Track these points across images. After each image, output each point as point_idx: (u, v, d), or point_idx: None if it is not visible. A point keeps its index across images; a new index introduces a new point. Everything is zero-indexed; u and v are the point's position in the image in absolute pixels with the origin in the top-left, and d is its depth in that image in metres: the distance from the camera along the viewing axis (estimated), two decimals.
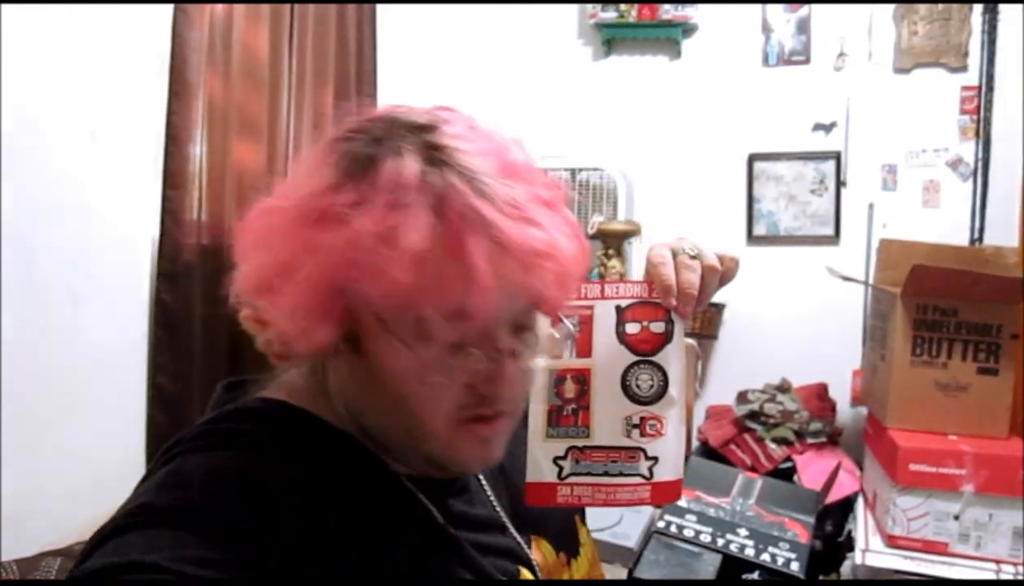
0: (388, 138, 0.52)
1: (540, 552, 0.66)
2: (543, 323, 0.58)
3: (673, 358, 0.59)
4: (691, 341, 2.62)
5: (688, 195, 2.83)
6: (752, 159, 2.86)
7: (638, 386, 0.59)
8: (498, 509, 0.66)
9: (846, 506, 2.11)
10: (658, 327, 0.60)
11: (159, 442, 1.61)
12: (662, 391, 0.59)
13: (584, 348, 0.60)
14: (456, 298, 0.49)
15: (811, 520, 1.91)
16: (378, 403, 0.56)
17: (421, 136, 0.52)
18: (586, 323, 0.61)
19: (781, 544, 1.82)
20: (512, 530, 0.65)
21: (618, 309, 0.60)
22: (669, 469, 0.58)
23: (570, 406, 0.60)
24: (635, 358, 0.60)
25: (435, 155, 0.51)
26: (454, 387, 0.54)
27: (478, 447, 0.57)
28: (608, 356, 0.60)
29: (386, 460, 0.59)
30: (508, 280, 0.50)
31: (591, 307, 0.61)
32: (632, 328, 0.60)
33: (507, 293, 0.51)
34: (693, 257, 0.60)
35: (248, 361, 1.88)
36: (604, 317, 0.61)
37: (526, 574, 0.63)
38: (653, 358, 0.59)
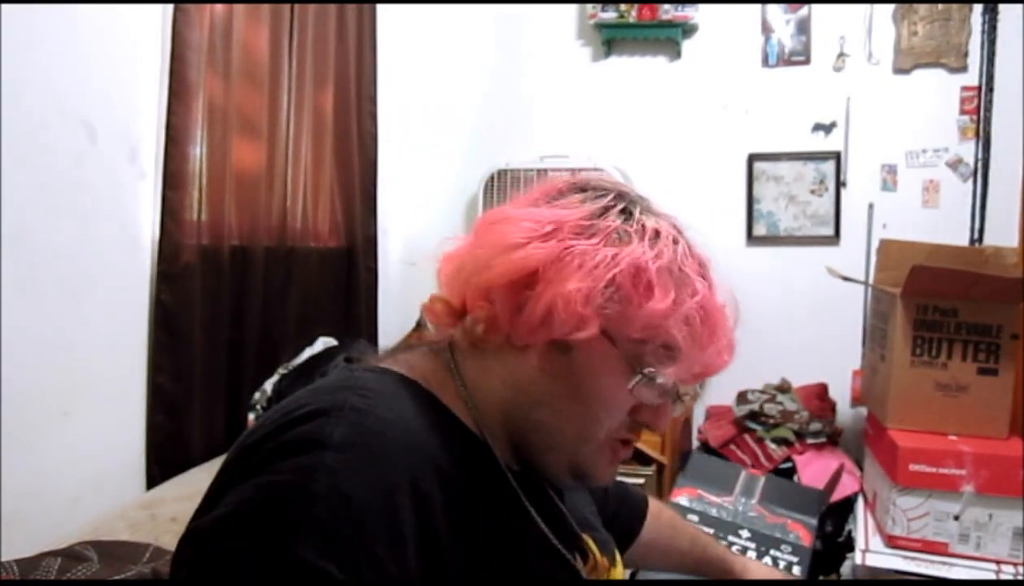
0: (651, 214, 0.65)
1: (588, 546, 0.73)
2: None
3: None
4: None
5: (688, 195, 2.82)
6: (752, 159, 2.86)
7: None
8: (558, 503, 0.73)
9: (846, 506, 2.11)
10: None
11: (159, 442, 1.60)
12: None
13: None
14: (705, 349, 0.62)
15: (814, 522, 1.91)
16: (559, 403, 0.62)
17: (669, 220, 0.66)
18: None
19: (783, 546, 1.82)
20: (570, 520, 0.72)
21: None
22: None
23: None
24: None
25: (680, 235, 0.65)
26: (629, 409, 0.63)
27: (609, 466, 0.67)
28: None
29: (495, 453, 0.64)
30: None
31: None
32: None
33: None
34: None
35: (248, 361, 1.88)
36: None
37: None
38: None
